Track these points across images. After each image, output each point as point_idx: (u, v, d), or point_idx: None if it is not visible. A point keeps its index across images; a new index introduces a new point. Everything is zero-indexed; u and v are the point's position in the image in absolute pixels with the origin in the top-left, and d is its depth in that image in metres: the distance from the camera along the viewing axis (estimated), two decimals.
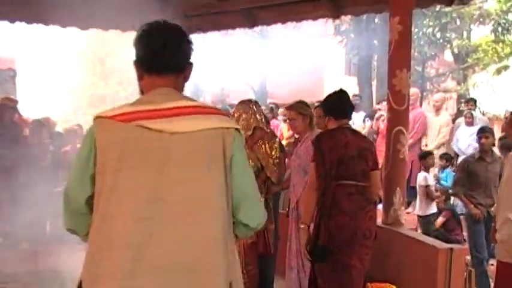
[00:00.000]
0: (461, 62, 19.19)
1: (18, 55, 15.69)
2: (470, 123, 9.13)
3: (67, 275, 5.83)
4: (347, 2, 6.51)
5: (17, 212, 6.42)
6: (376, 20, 13.76)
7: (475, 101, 10.43)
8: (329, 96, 4.30)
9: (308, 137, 4.81)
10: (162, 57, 2.02)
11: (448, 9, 14.45)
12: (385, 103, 10.17)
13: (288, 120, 5.15)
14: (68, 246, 6.80)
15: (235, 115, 4.81)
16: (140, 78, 2.07)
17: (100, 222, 1.88)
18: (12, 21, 6.94)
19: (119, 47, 16.73)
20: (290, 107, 5.03)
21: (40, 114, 11.02)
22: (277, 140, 5.09)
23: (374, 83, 15.39)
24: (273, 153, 4.84)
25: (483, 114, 11.46)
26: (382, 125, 8.53)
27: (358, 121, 9.24)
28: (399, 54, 5.37)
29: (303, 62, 19.23)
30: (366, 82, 14.92)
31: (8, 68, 14.56)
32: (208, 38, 14.26)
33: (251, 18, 7.22)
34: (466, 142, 9.02)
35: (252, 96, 15.88)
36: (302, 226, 4.04)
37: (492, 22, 16.90)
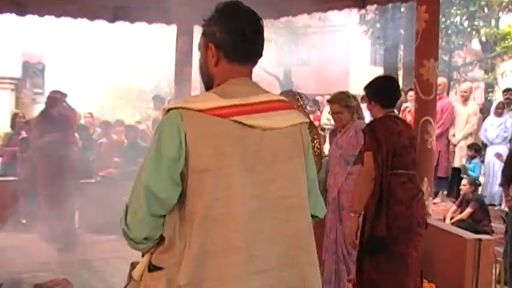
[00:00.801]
0: (489, 51, 18.88)
1: (46, 49, 15.93)
2: (499, 114, 9.00)
3: (97, 265, 5.95)
4: None
5: (50, 203, 6.53)
6: (402, 9, 13.60)
7: None
8: (376, 81, 4.13)
9: (350, 127, 4.78)
10: (252, 45, 1.91)
11: None
12: (411, 93, 10.11)
13: (332, 114, 4.98)
14: (97, 236, 6.96)
15: None
16: (216, 63, 1.89)
17: (203, 224, 1.74)
18: (41, 15, 7.05)
19: (145, 39, 16.86)
20: (334, 101, 4.91)
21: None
22: (317, 130, 5.06)
23: (400, 72, 15.24)
24: (315, 143, 4.76)
25: None
26: (409, 116, 8.45)
27: None
28: (426, 44, 5.31)
29: (328, 52, 19.13)
30: (392, 72, 14.78)
31: (37, 61, 14.76)
32: None
33: (276, 9, 7.21)
34: (494, 132, 8.89)
35: (278, 87, 15.81)
36: (353, 215, 3.96)
37: None
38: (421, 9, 5.29)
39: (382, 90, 3.99)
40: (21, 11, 6.92)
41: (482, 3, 16.03)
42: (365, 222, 3.85)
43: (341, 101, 4.84)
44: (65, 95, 7.16)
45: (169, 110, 1.80)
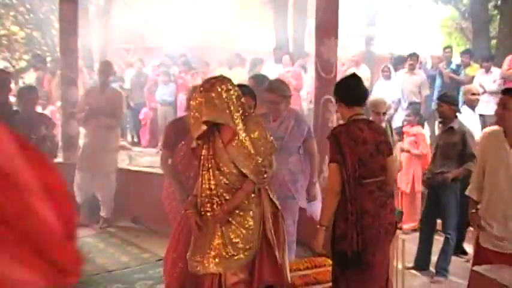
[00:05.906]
0: None
1: None
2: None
3: None
4: None
5: None
6: None
7: None
8: (341, 80, 3.87)
9: (287, 117, 4.49)
10: None
11: None
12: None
13: (269, 104, 4.50)
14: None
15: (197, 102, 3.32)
16: None
17: None
18: None
19: None
20: (273, 90, 4.50)
21: None
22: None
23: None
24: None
25: None
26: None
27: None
28: (327, 22, 5.30)
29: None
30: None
31: None
32: None
33: None
34: None
35: None
36: (319, 227, 3.65)
37: None
38: None
39: (346, 90, 3.70)
40: None
41: None
42: (334, 237, 3.61)
43: (278, 91, 4.48)
44: None
45: None
